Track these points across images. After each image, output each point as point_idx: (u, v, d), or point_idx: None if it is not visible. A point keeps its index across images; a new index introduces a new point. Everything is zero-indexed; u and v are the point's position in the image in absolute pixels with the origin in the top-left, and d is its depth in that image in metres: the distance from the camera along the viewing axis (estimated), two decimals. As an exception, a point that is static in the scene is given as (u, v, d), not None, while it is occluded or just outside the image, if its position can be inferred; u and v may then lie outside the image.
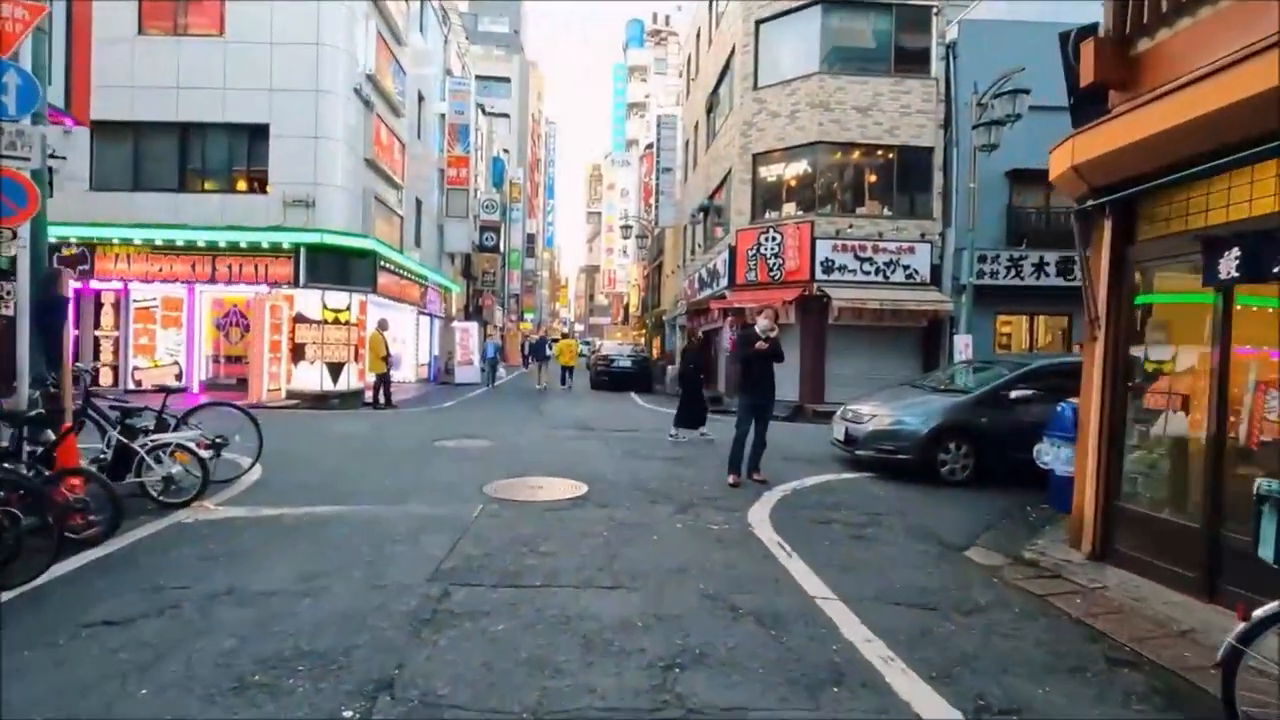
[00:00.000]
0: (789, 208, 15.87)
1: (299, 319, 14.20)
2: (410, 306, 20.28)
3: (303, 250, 13.90)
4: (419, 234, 21.83)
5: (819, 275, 14.98)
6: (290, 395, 13.94)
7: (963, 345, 13.87)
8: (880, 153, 15.56)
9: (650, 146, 46.39)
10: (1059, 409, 6.30)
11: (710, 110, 21.08)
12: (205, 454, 5.66)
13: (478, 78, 47.19)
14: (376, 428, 10.36)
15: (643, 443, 9.70)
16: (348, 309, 14.61)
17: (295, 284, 13.95)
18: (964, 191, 14.93)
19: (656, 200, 26.47)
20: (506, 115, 57.61)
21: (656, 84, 55.29)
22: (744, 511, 5.94)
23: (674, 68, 48.73)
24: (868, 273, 15.08)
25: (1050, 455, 6.32)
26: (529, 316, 57.39)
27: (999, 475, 7.40)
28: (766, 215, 16.20)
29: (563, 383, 23.18)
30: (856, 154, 15.70)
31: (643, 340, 31.91)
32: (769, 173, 16.33)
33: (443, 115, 24.28)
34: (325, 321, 14.29)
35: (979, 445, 7.60)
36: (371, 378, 14.23)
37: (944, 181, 15.30)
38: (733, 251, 16.23)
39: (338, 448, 8.41)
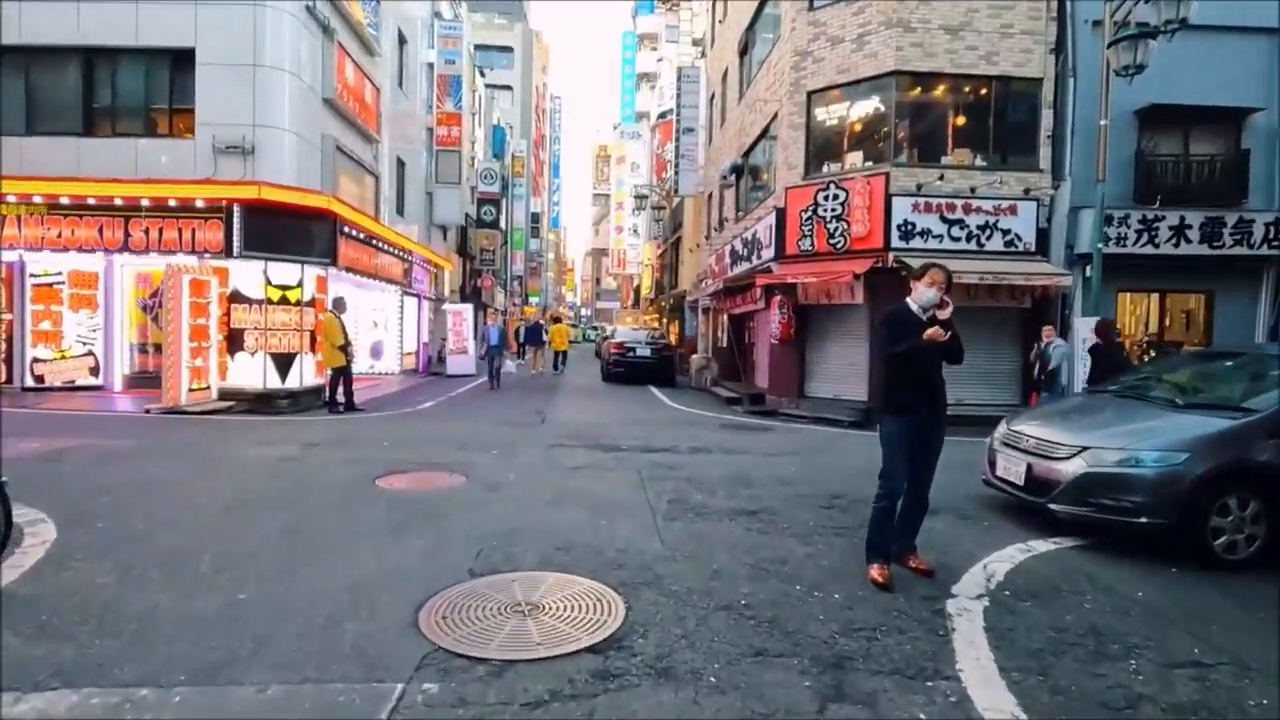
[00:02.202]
0: (854, 158, 12.64)
1: (235, 298, 11.14)
2: (392, 286, 17.23)
3: (237, 210, 10.81)
4: (402, 201, 18.71)
5: (895, 242, 11.78)
6: (224, 395, 10.92)
7: (1088, 332, 10.72)
8: (973, 86, 12.27)
9: (664, 115, 42.98)
10: None
11: (745, 52, 17.76)
12: None
13: (477, 47, 43.99)
14: (304, 450, 7.29)
15: (689, 471, 6.63)
16: (299, 285, 11.53)
17: (228, 253, 10.88)
18: (1083, 133, 11.71)
19: (676, 165, 23.21)
20: (509, 87, 54.40)
21: (669, 51, 51.75)
22: (947, 669, 2.87)
23: (686, 34, 45.32)
24: (957, 238, 11.87)
25: None
26: (534, 300, 54.36)
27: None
28: (825, 169, 12.98)
29: (555, 368, 22.08)
30: (942, 88, 12.42)
31: (657, 325, 28.77)
32: (828, 115, 13.08)
33: (431, 65, 21.06)
34: (269, 301, 11.23)
35: (1275, 502, 4.50)
36: (331, 373, 11.16)
37: (1055, 122, 12.02)
38: (780, 215, 13.05)
39: (203, 496, 5.33)
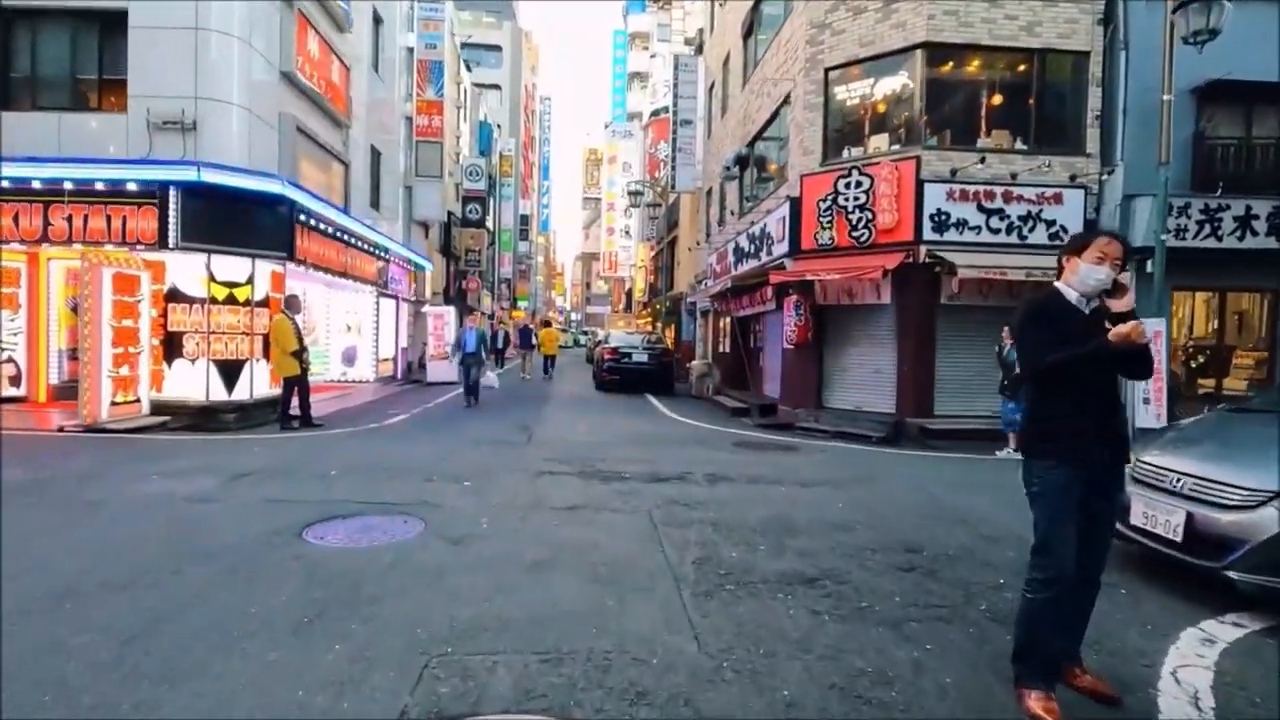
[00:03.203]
0: (878, 141, 11.31)
1: (172, 296, 9.64)
2: (367, 286, 15.74)
3: (173, 194, 9.31)
4: (377, 194, 17.23)
5: (928, 234, 10.46)
6: (159, 409, 9.40)
7: (1153, 336, 9.41)
8: (1013, 60, 10.98)
9: (657, 113, 41.73)
10: None
11: (749, 34, 16.45)
12: None
13: (465, 45, 42.61)
14: (225, 485, 5.80)
15: (713, 511, 5.21)
16: (249, 282, 10.03)
17: (162, 243, 9.37)
18: (1136, 113, 10.45)
19: (673, 160, 21.84)
20: (498, 86, 53.06)
21: (661, 50, 50.66)
22: None
23: (679, 33, 44.26)
24: (996, 230, 10.56)
25: None
26: (522, 304, 52.87)
27: None
28: (845, 153, 11.64)
29: (545, 372, 21.59)
30: (978, 62, 11.12)
31: (652, 329, 27.36)
32: (848, 94, 11.75)
33: (411, 50, 19.60)
34: (213, 300, 9.72)
35: None
36: (284, 384, 9.64)
37: (1104, 101, 10.75)
38: (795, 206, 11.69)
39: (46, 565, 3.85)
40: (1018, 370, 9.33)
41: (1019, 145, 10.89)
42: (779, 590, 3.65)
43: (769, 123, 14.20)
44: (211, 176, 9.27)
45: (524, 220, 51.73)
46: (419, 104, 19.49)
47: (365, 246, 14.73)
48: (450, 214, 26.35)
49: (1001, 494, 6.47)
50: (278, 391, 9.86)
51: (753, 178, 15.87)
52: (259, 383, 10.21)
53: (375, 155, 16.97)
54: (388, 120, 18.05)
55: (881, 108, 11.49)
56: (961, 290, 10.27)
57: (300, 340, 9.43)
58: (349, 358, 17.25)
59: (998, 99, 11.20)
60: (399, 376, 18.62)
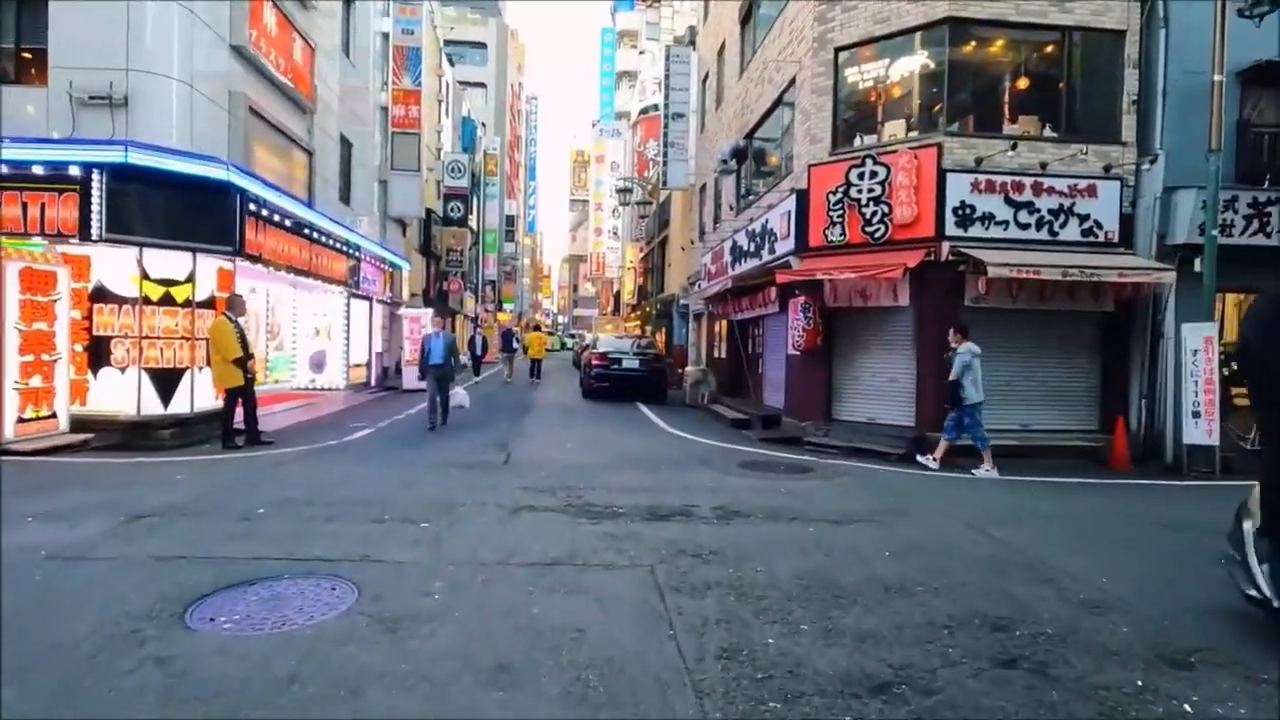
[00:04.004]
0: (894, 128, 10.31)
1: (98, 295, 8.42)
2: (336, 286, 14.55)
3: (97, 178, 8.10)
4: (348, 188, 16.04)
5: (950, 229, 9.46)
6: (82, 425, 8.17)
7: (1203, 343, 8.53)
8: (1042, 39, 10.02)
9: (646, 111, 40.71)
10: None
11: (747, 19, 15.45)
12: None
13: (450, 42, 41.46)
14: (111, 531, 4.61)
15: (731, 564, 4.13)
16: (189, 280, 8.82)
17: (84, 235, 8.15)
18: (1176, 98, 9.53)
19: (665, 154, 20.76)
20: (483, 84, 51.99)
21: (650, 48, 49.79)
22: None
23: (668, 32, 43.40)
24: (1025, 225, 9.57)
25: None
26: (508, 306, 51.65)
27: None
28: (857, 141, 10.63)
29: (532, 374, 21.03)
30: (1002, 42, 10.16)
31: (642, 333, 26.25)
32: (861, 76, 10.74)
33: (386, 36, 18.43)
34: (146, 300, 8.52)
35: None
36: (226, 396, 8.43)
37: (1141, 84, 9.81)
38: (802, 199, 10.66)
39: None
40: (951, 375, 8.31)
41: (1048, 132, 9.93)
42: (844, 709, 2.57)
43: (770, 111, 13.18)
44: (142, 159, 8.08)
45: (510, 221, 50.53)
46: (395, 93, 18.32)
47: (333, 243, 13.53)
48: (430, 212, 25.15)
49: (1067, 531, 5.45)
50: (223, 404, 8.65)
51: (751, 171, 14.85)
52: (201, 394, 9.00)
53: (346, 146, 15.77)
54: (360, 110, 16.85)
55: (897, 91, 10.50)
56: (989, 291, 9.28)
57: (245, 346, 8.24)
58: (317, 364, 16.02)
59: (1025, 82, 10.25)
60: (373, 384, 17.40)
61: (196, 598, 3.42)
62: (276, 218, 10.63)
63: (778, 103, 12.71)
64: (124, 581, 3.64)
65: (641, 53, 44.85)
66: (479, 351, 19.92)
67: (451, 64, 32.33)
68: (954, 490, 7.16)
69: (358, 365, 16.72)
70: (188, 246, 8.79)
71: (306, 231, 12.03)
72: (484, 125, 43.97)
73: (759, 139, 14.41)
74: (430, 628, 3.16)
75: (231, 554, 4.11)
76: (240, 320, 8.33)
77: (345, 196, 15.88)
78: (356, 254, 15.25)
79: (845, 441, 9.69)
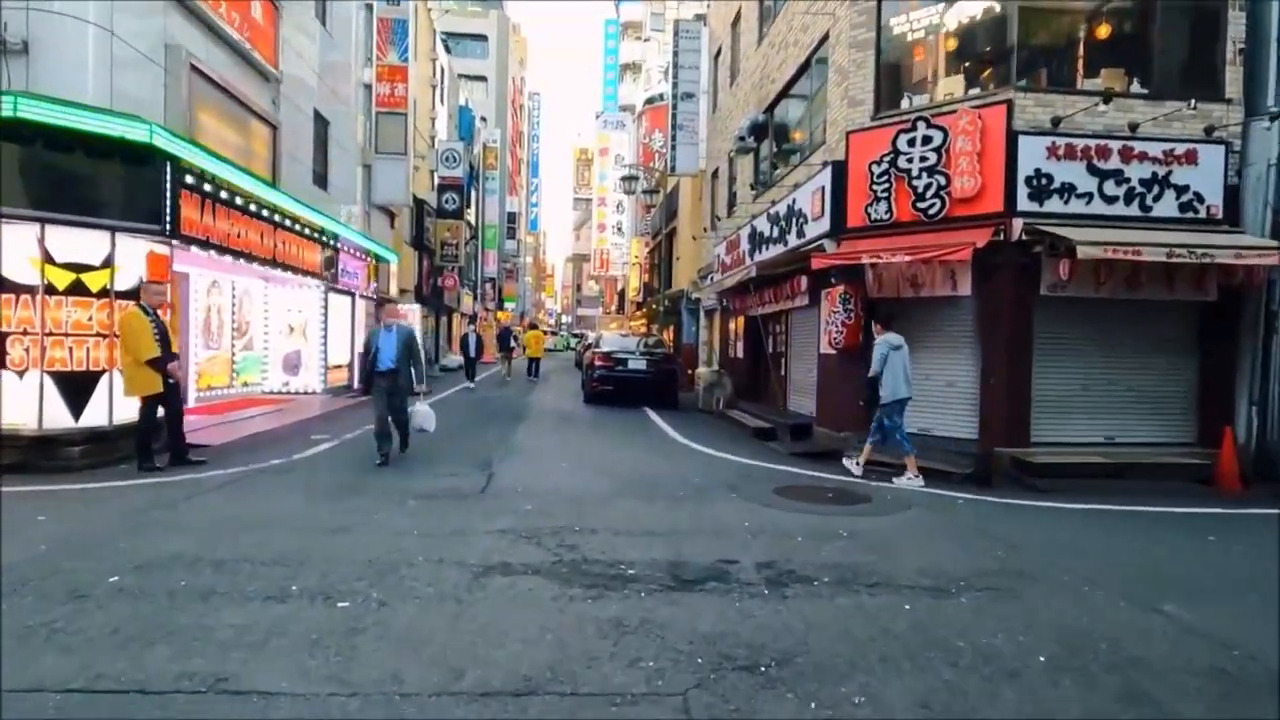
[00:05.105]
0: (950, 85, 8.73)
1: (-10, 284, 6.90)
2: (311, 279, 13.03)
3: (-17, 137, 6.58)
4: (325, 171, 14.51)
5: (1023, 204, 7.86)
6: (-33, 442, 6.64)
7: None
8: (1130, -23, 8.46)
9: (651, 101, 39.16)
10: None
11: (766, -21, 13.89)
12: None
13: (450, 34, 40.02)
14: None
15: (812, 680, 2.59)
16: (106, 265, 7.28)
17: (-33, 208, 6.62)
18: (1297, 44, 7.89)
19: (673, 138, 19.19)
20: (484, 78, 50.62)
21: (655, 39, 48.30)
22: None
23: (671, 23, 42.00)
24: (1112, 198, 7.97)
25: None
26: (509, 305, 50.14)
27: None
28: (906, 103, 9.06)
29: (529, 373, 20.86)
30: (1083, -19, 8.59)
31: (648, 331, 24.67)
32: (909, 26, 9.15)
33: (370, 8, 16.91)
34: (50, 289, 6.98)
35: None
36: (142, 406, 6.88)
37: (1249, 30, 8.20)
38: (839, 172, 9.09)
39: None
40: (871, 371, 7.28)
41: (1136, 88, 8.33)
42: None
43: (797, 77, 11.60)
44: (36, 113, 6.53)
45: (511, 218, 49.07)
46: (380, 69, 16.81)
47: (305, 230, 11.99)
48: (424, 203, 23.66)
49: (1269, 602, 3.82)
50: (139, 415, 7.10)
51: (772, 149, 13.27)
52: (124, 402, 7.45)
53: (322, 123, 14.25)
54: (341, 88, 15.33)
55: (952, 43, 8.91)
56: (1072, 277, 7.66)
57: (165, 343, 6.69)
58: (291, 365, 14.54)
59: (1105, 29, 8.64)
60: (355, 386, 15.84)
61: None
62: (227, 195, 9.09)
63: (805, 66, 11.13)
64: None
65: (646, 40, 43.29)
66: (473, 353, 18.38)
67: (448, 50, 30.88)
68: (1059, 529, 5.56)
69: (337, 366, 15.20)
70: (104, 224, 7.23)
71: (271, 215, 10.50)
72: (484, 119, 42.56)
73: (783, 110, 12.84)
74: None
75: (15, 680, 2.55)
76: (157, 312, 6.78)
77: (322, 181, 14.36)
78: (334, 243, 13.72)
79: (895, 458, 8.09)
